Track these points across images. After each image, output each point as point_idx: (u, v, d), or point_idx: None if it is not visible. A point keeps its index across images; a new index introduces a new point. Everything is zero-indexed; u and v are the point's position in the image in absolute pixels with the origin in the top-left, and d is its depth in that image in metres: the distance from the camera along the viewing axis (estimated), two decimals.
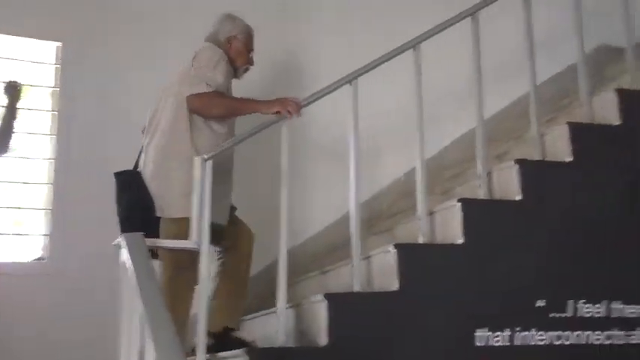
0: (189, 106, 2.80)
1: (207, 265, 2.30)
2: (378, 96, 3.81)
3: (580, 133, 2.91)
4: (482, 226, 2.66)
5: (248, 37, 3.10)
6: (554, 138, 2.95)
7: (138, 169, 2.92)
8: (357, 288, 2.48)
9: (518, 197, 2.73)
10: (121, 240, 2.13)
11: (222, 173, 2.69)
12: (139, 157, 2.98)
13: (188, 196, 2.49)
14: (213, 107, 2.80)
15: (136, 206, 2.77)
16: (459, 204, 2.64)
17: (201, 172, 2.42)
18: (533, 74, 3.05)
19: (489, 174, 2.86)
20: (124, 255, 2.09)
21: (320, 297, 2.38)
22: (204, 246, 2.28)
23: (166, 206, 2.75)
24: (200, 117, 2.81)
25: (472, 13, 2.98)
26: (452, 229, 2.64)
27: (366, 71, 2.85)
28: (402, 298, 2.45)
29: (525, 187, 2.74)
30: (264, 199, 3.09)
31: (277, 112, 2.65)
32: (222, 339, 2.58)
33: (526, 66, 3.08)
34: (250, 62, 3.12)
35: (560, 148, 2.91)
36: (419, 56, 2.89)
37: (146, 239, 2.10)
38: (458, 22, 3.00)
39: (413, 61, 2.88)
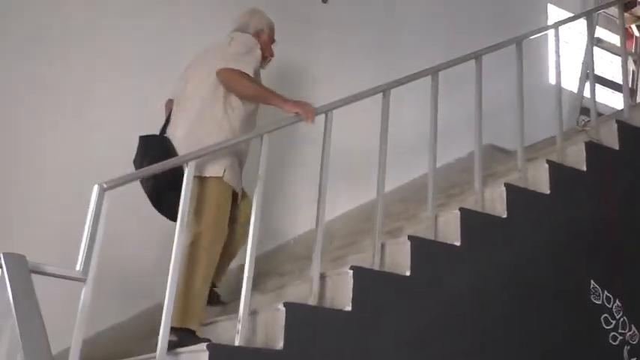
0: (219, 77, 2.98)
1: (89, 296, 2.15)
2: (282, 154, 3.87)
3: (470, 219, 3.03)
4: (371, 296, 2.66)
5: (272, 30, 3.39)
6: (447, 221, 3.05)
7: (165, 135, 3.05)
8: (239, 342, 2.41)
9: (408, 273, 2.79)
10: None
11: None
12: (164, 125, 3.12)
13: (218, 158, 2.85)
14: (241, 85, 2.98)
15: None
16: (351, 271, 2.65)
17: (97, 202, 2.28)
18: (433, 158, 3.18)
19: (383, 247, 2.91)
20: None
21: (202, 346, 2.28)
22: (89, 277, 2.14)
23: (200, 163, 2.78)
24: (235, 95, 3.00)
25: (384, 89, 3.09)
26: (342, 295, 2.63)
27: (277, 128, 2.89)
28: (284, 357, 2.39)
29: (415, 264, 2.80)
30: None
31: (297, 113, 2.85)
32: None
33: (420, 152, 3.20)
34: (272, 54, 3.38)
35: (450, 231, 3.01)
36: (330, 123, 2.93)
37: (28, 262, 1.93)
38: (370, 96, 3.11)
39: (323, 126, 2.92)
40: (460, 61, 3.44)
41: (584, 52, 5.71)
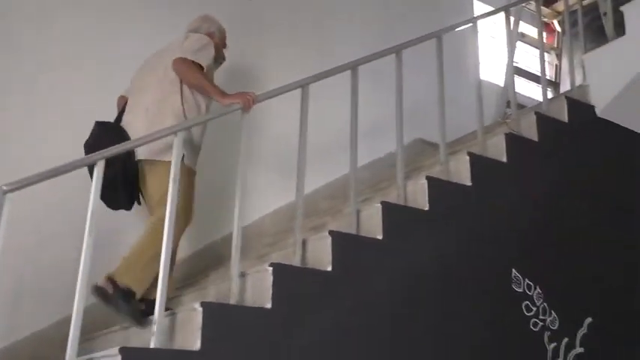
0: (173, 65, 3.16)
1: None
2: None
3: (392, 213, 3.04)
4: (292, 293, 2.64)
5: (223, 34, 3.60)
6: (370, 215, 3.05)
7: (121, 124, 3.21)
8: (154, 344, 2.36)
9: (329, 268, 2.78)
10: None
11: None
12: (120, 115, 3.27)
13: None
14: (191, 75, 3.14)
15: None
16: (271, 268, 2.62)
17: None
18: (354, 152, 3.17)
19: (305, 243, 2.89)
20: None
21: (115, 351, 2.23)
22: None
23: (158, 150, 3.00)
24: (187, 88, 3.18)
25: (302, 85, 3.07)
26: (262, 292, 2.61)
27: (188, 127, 2.86)
28: (201, 358, 2.35)
29: (336, 259, 2.79)
30: None
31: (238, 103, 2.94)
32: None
33: (346, 148, 3.19)
34: (224, 57, 3.57)
35: (373, 225, 3.02)
36: (247, 122, 2.91)
37: None
38: (288, 91, 3.09)
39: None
40: (380, 55, 3.45)
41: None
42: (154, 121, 3.06)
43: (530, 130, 3.79)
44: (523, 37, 6.42)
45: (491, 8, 6.07)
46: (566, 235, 3.71)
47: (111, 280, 2.75)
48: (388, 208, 3.04)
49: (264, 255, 3.37)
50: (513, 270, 3.36)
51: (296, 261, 2.81)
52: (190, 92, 3.20)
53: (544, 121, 3.81)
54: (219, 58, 3.47)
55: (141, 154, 3.05)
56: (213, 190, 4.10)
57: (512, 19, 5.47)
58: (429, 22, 4.59)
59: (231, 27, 4.04)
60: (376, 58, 3.42)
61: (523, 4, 6.11)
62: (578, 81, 4.27)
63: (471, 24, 3.94)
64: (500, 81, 6.37)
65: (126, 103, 3.33)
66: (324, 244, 2.84)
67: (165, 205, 2.68)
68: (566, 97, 4.05)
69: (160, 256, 2.70)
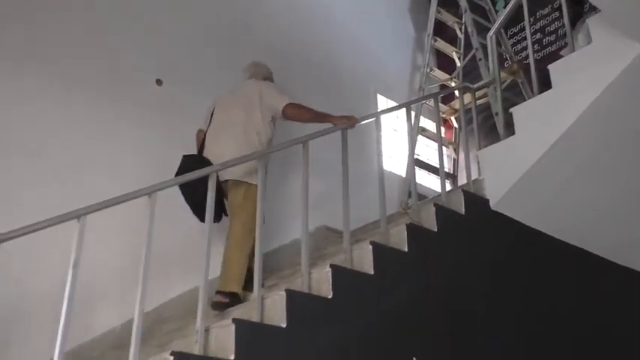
0: (286, 112, 4.04)
1: None
2: (104, 238, 3.74)
3: (296, 301, 3.05)
4: None
5: (271, 74, 4.49)
6: (274, 303, 3.06)
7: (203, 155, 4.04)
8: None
9: (232, 357, 2.73)
10: None
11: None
12: (202, 147, 4.12)
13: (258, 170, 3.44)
14: (305, 114, 4.02)
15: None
16: (172, 357, 2.56)
17: None
18: (260, 240, 3.21)
19: (208, 331, 2.85)
20: None
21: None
22: None
23: (248, 173, 3.86)
24: (263, 123, 4.08)
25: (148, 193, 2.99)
26: None
27: (97, 210, 2.81)
28: None
29: (239, 348, 2.76)
30: None
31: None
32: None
33: None
34: None
35: (277, 313, 3.02)
36: (154, 204, 2.90)
37: None
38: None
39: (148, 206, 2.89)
40: (287, 145, 3.55)
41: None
42: (240, 149, 3.83)
43: (429, 220, 3.94)
44: (424, 132, 6.74)
45: (394, 103, 6.44)
46: (465, 323, 3.82)
47: (222, 293, 3.71)
48: (292, 296, 3.06)
49: (165, 343, 3.28)
50: (414, 358, 3.41)
51: (198, 350, 2.76)
52: (264, 126, 4.06)
53: (442, 212, 3.97)
54: None
55: (229, 175, 3.90)
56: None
57: (413, 114, 5.79)
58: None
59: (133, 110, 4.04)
60: (284, 147, 3.52)
61: (423, 102, 6.49)
62: (474, 175, 4.47)
63: (374, 118, 4.12)
64: (402, 172, 6.63)
65: (204, 136, 4.15)
66: (227, 332, 2.81)
67: (244, 212, 3.88)
68: (462, 190, 4.23)
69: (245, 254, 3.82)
